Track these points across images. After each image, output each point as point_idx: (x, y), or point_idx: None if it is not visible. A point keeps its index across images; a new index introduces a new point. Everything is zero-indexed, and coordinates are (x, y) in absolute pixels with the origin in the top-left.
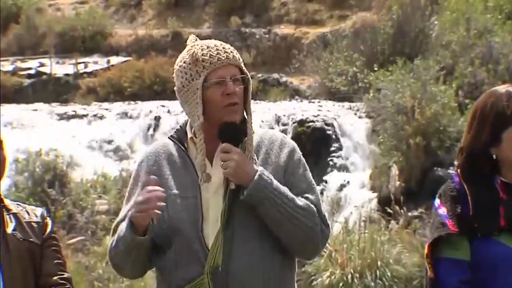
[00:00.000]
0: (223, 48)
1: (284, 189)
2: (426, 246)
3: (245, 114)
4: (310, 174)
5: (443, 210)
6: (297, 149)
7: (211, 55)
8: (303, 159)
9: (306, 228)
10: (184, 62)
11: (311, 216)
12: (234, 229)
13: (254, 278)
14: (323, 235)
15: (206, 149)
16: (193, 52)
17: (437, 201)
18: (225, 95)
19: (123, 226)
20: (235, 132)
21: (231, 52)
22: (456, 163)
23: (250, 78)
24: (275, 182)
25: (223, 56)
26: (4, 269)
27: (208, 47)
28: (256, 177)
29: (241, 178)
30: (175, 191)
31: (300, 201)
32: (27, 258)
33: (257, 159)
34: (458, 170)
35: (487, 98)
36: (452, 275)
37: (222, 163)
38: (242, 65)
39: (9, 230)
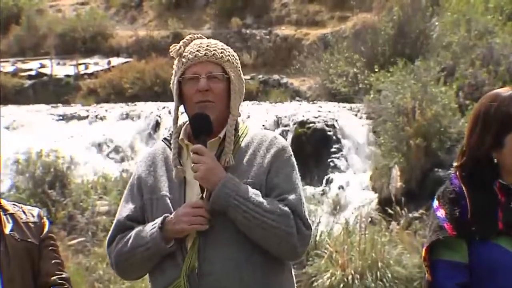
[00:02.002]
0: (207, 45)
1: (251, 195)
2: (424, 249)
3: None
4: (296, 175)
5: (441, 213)
6: (287, 149)
7: (191, 51)
8: (293, 160)
9: (278, 231)
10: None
11: (283, 219)
12: (211, 232)
13: (230, 282)
14: (300, 236)
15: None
16: (177, 48)
17: (435, 203)
18: (197, 92)
19: (145, 234)
20: (204, 123)
21: (214, 50)
22: (455, 164)
23: (232, 77)
24: (243, 188)
25: (202, 53)
26: (3, 270)
27: (194, 45)
28: (219, 185)
29: (208, 183)
30: (164, 192)
31: (271, 204)
32: (26, 258)
33: (244, 159)
34: (457, 172)
35: (490, 102)
36: (450, 278)
37: (192, 164)
38: (227, 64)
39: (7, 230)
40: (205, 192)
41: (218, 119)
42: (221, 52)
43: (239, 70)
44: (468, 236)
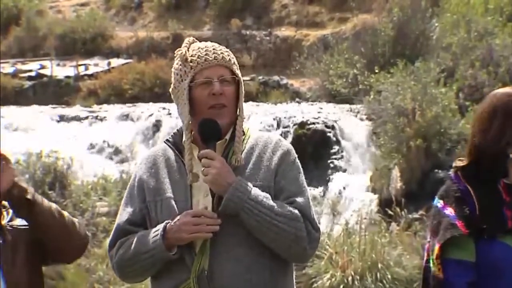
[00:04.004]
0: (214, 49)
1: (263, 198)
2: (437, 247)
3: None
4: (302, 177)
5: (450, 211)
6: (292, 151)
7: (199, 55)
8: (298, 162)
9: (288, 234)
10: (176, 63)
11: (293, 222)
12: (221, 234)
13: (240, 283)
14: (310, 238)
15: (198, 149)
16: (182, 53)
17: (439, 202)
18: (211, 96)
19: (148, 240)
20: (214, 129)
21: (221, 53)
22: (456, 164)
23: (241, 80)
24: (253, 192)
25: (211, 57)
26: (4, 261)
27: (199, 48)
28: (230, 188)
29: (218, 187)
30: (169, 194)
31: (282, 207)
32: (29, 242)
33: (250, 162)
34: (458, 172)
35: (508, 97)
36: (461, 276)
37: (203, 168)
38: (234, 67)
39: (4, 221)
40: (215, 196)
41: (230, 122)
42: (228, 55)
43: (240, 72)
44: (475, 234)
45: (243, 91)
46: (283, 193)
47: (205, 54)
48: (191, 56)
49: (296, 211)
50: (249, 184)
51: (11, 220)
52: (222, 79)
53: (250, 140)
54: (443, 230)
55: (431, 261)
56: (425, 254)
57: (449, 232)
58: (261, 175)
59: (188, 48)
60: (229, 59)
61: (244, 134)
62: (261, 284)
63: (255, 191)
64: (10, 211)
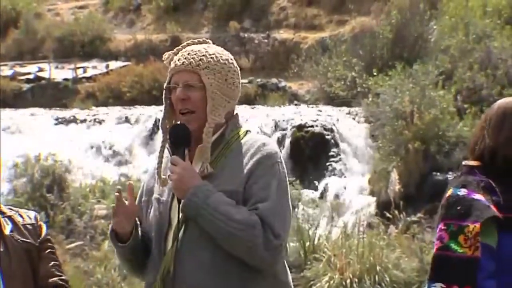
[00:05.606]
0: (188, 54)
1: (222, 204)
2: (477, 226)
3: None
4: (276, 182)
5: (479, 197)
6: (274, 155)
7: (175, 60)
8: (277, 167)
9: (244, 241)
10: None
11: (249, 229)
12: (187, 237)
13: (203, 286)
14: (267, 246)
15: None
16: (166, 56)
17: (461, 190)
18: (177, 101)
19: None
20: (183, 134)
21: (192, 58)
22: (469, 164)
23: (207, 86)
24: (214, 197)
25: (180, 62)
26: (4, 270)
27: (181, 53)
28: (188, 194)
29: (179, 192)
30: (157, 195)
31: (241, 214)
32: (26, 258)
33: (228, 166)
34: (475, 169)
35: None
36: (489, 260)
37: (169, 174)
38: (205, 71)
39: (7, 231)
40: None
41: (201, 127)
42: (200, 60)
43: (226, 75)
44: (497, 225)
45: (230, 95)
46: (251, 198)
47: (178, 59)
48: (172, 59)
49: (255, 218)
50: (212, 189)
51: (12, 231)
52: (187, 84)
53: (237, 144)
54: (479, 211)
55: (453, 244)
56: (437, 242)
57: (490, 212)
58: (233, 179)
59: (179, 51)
60: (200, 64)
61: (232, 136)
62: (228, 287)
63: (216, 197)
64: (9, 221)
